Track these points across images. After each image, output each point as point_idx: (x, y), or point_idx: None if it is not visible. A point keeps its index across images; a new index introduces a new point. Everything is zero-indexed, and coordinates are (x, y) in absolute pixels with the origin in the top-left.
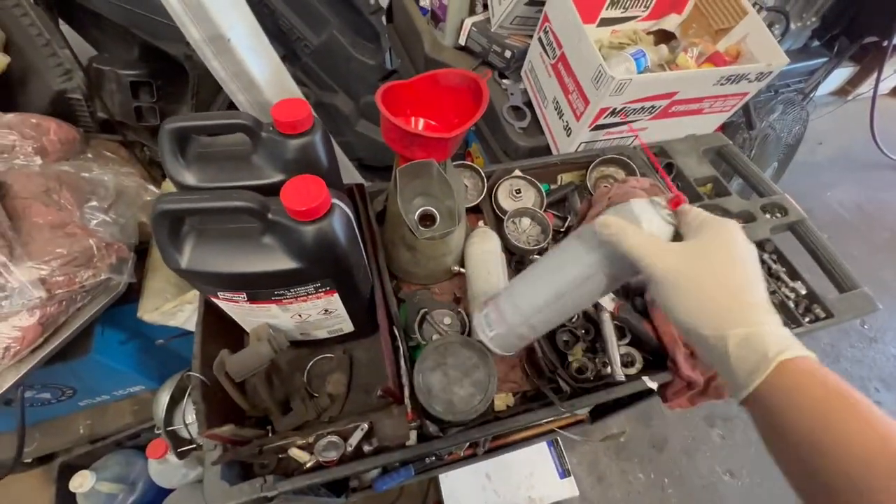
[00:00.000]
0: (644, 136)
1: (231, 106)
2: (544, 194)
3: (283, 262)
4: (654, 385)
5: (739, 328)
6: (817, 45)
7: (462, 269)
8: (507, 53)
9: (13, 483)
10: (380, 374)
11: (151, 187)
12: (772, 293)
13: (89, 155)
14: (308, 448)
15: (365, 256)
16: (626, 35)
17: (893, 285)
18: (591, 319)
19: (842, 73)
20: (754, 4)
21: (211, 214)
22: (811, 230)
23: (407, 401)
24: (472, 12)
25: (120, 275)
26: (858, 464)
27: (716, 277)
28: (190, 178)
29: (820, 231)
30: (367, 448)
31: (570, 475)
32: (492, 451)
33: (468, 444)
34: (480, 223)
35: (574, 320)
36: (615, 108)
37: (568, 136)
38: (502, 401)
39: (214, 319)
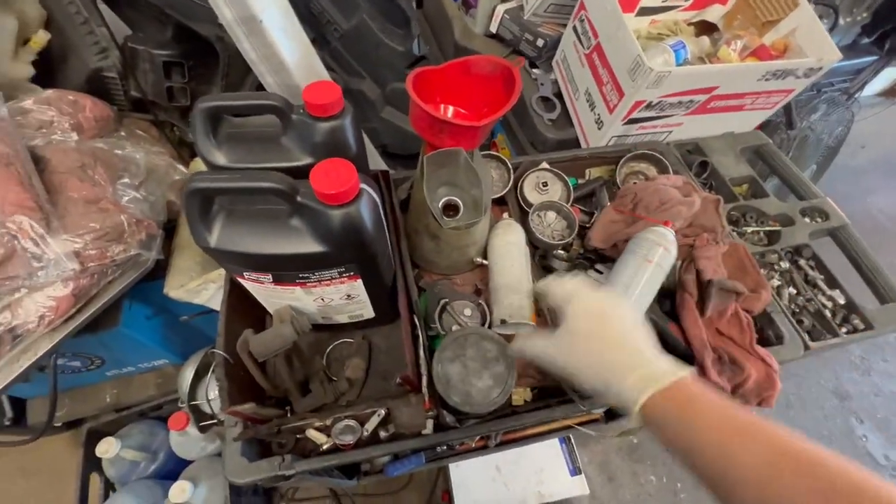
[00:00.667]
0: (679, 133)
1: (260, 88)
2: (571, 188)
3: (309, 246)
4: None
5: (614, 383)
6: (866, 43)
7: (484, 261)
8: (540, 42)
9: (45, 445)
10: (398, 361)
11: (180, 167)
12: (808, 301)
13: (122, 133)
14: (325, 430)
15: (389, 243)
16: (666, 25)
17: None
18: None
19: (891, 73)
20: None
21: (241, 194)
22: (853, 237)
23: (425, 389)
24: None
25: (149, 251)
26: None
27: (585, 351)
28: (220, 158)
29: None
30: (383, 434)
31: (580, 473)
32: (504, 445)
33: (480, 435)
34: (505, 215)
35: None
36: (651, 102)
37: (599, 129)
38: (520, 395)
39: (238, 300)
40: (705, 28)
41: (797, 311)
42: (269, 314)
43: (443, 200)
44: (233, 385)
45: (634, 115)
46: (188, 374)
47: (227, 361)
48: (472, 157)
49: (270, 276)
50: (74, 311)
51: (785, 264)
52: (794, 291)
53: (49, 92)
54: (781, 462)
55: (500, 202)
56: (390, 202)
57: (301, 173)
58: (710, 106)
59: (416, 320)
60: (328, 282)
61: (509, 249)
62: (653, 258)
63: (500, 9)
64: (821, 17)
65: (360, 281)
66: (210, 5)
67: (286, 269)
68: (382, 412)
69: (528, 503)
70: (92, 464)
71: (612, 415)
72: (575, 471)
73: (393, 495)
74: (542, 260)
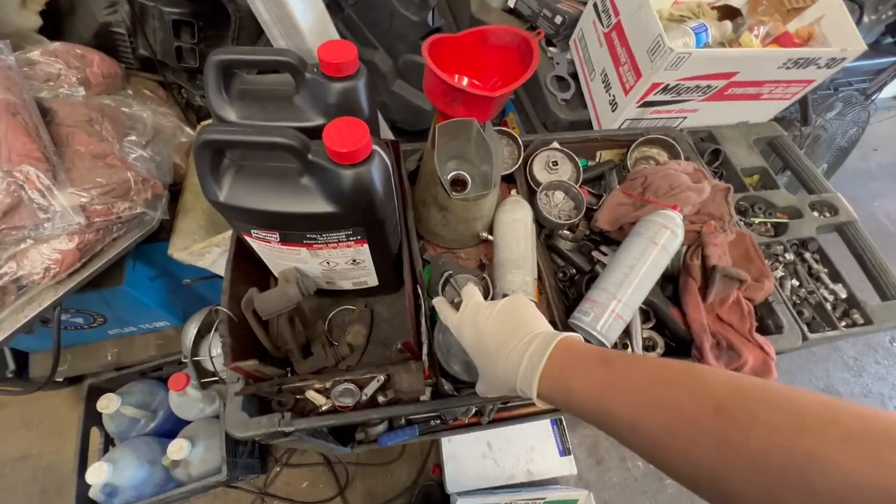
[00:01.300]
0: (694, 119)
1: None
2: (581, 169)
3: (318, 205)
4: None
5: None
6: (889, 42)
7: (490, 237)
8: (558, 19)
9: (47, 399)
10: (399, 330)
11: (188, 129)
12: (810, 293)
13: (129, 92)
14: (325, 392)
15: (397, 211)
16: (689, 8)
17: None
18: None
19: None
20: None
21: (252, 149)
22: (860, 233)
23: (424, 358)
24: None
25: (154, 210)
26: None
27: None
28: (232, 114)
29: None
30: (381, 399)
31: (569, 454)
32: (496, 422)
33: (473, 411)
34: (513, 192)
35: None
36: (668, 85)
37: (613, 111)
38: None
39: (244, 260)
40: (728, 13)
41: (798, 302)
42: (274, 277)
43: (451, 174)
44: (236, 342)
45: (650, 97)
46: (191, 330)
47: (230, 319)
48: (484, 129)
49: (278, 235)
50: (79, 266)
51: (790, 256)
52: (797, 283)
53: (56, 44)
54: (646, 398)
55: (508, 179)
56: (399, 172)
57: (313, 134)
58: (727, 93)
59: (419, 290)
60: (335, 244)
61: (515, 226)
62: (659, 241)
63: None
64: None
65: (366, 246)
66: None
67: (294, 229)
68: (382, 378)
69: (517, 479)
70: (92, 418)
71: None
72: (564, 451)
73: (385, 466)
74: (548, 239)
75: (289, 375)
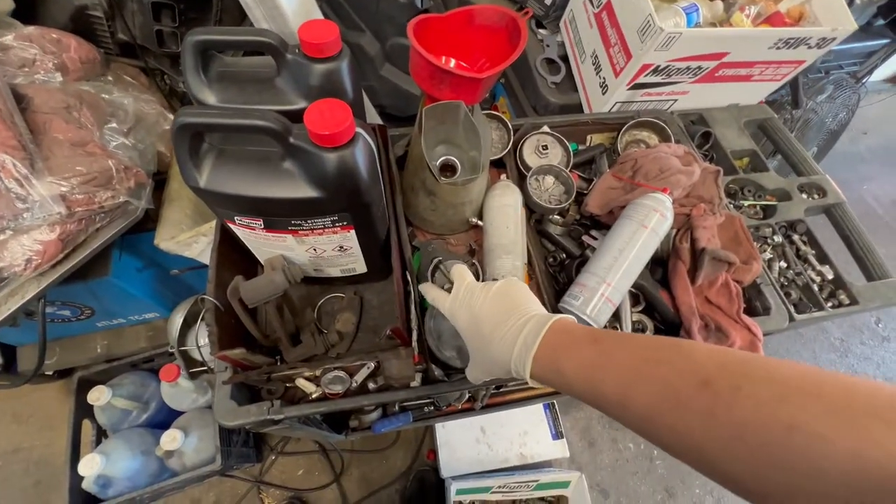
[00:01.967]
0: (684, 102)
1: None
2: (571, 153)
3: (302, 190)
4: None
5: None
6: (880, 25)
7: (479, 222)
8: (548, 0)
9: (37, 392)
10: (388, 317)
11: (171, 116)
12: (797, 275)
13: (109, 78)
14: (315, 380)
15: (384, 196)
16: None
17: None
18: None
19: None
20: None
21: (232, 132)
22: (848, 214)
23: (414, 344)
24: None
25: (138, 199)
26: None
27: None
28: (211, 97)
29: None
30: (371, 386)
31: (562, 437)
32: (489, 407)
33: (467, 397)
34: (503, 177)
35: None
36: (658, 66)
37: (603, 93)
38: None
39: (229, 248)
40: None
41: (786, 283)
42: (261, 265)
43: (440, 160)
44: (223, 331)
45: (640, 79)
46: (177, 319)
47: (217, 308)
48: (472, 112)
49: (262, 222)
50: (62, 257)
51: (778, 238)
52: (785, 265)
53: (31, 28)
54: (634, 375)
55: (498, 164)
56: (386, 158)
57: (295, 117)
58: (717, 74)
59: (408, 276)
60: (321, 230)
61: (505, 211)
62: (648, 224)
63: None
64: None
65: (353, 232)
66: None
67: (278, 215)
68: (372, 365)
69: (511, 463)
70: (83, 411)
71: None
72: (557, 435)
73: (380, 452)
74: (538, 224)
75: (278, 364)
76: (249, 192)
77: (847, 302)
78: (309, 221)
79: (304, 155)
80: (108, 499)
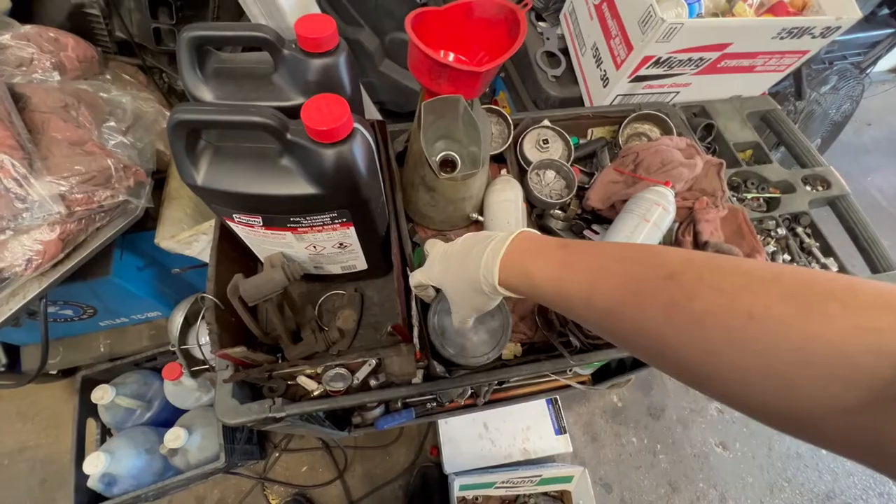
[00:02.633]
0: (686, 94)
1: None
2: (572, 147)
3: (300, 187)
4: None
5: (476, 284)
6: (885, 14)
7: (480, 217)
8: None
9: (42, 391)
10: (390, 314)
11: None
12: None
13: (107, 76)
14: (316, 378)
15: (383, 192)
16: None
17: None
18: None
19: None
20: None
21: (229, 129)
22: (853, 206)
23: (415, 340)
24: None
25: (138, 198)
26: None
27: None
28: (207, 94)
29: None
30: (373, 383)
31: (565, 433)
32: (491, 403)
33: (469, 393)
34: (503, 172)
35: None
36: (660, 58)
37: (604, 86)
38: (510, 350)
39: (229, 246)
40: None
41: None
42: (261, 263)
43: (440, 155)
44: (223, 330)
45: (642, 71)
46: (178, 318)
47: (217, 306)
48: (472, 107)
49: (260, 220)
50: (63, 257)
51: (782, 231)
52: (789, 258)
53: (28, 27)
54: (601, 273)
55: (498, 159)
56: (386, 154)
57: (293, 113)
58: (720, 65)
59: (408, 272)
60: (320, 228)
61: (506, 206)
62: (651, 217)
63: None
64: None
65: (352, 229)
66: None
67: (276, 212)
68: (373, 361)
69: (514, 458)
70: (87, 410)
71: (598, 378)
72: (560, 430)
73: (383, 448)
74: (539, 219)
75: (279, 361)
76: (247, 190)
77: None
78: (308, 218)
79: (302, 151)
80: (114, 497)
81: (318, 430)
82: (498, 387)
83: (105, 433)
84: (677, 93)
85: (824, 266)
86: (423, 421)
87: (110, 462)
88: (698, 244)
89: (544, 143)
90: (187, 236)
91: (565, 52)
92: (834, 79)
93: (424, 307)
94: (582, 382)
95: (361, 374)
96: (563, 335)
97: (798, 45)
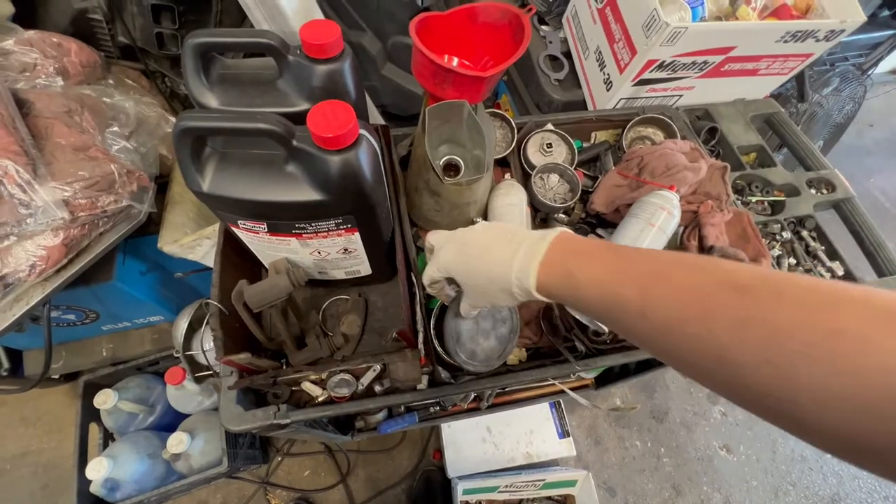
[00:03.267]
0: (689, 97)
1: None
2: (576, 151)
3: (305, 193)
4: None
5: (504, 283)
6: (887, 15)
7: (484, 222)
8: None
9: (45, 396)
10: (394, 319)
11: (172, 119)
12: (807, 271)
13: (110, 81)
14: (321, 384)
15: (388, 197)
16: None
17: None
18: None
19: None
20: None
21: (234, 136)
22: (858, 209)
23: (420, 346)
24: None
25: (141, 203)
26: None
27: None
28: (212, 100)
29: None
30: (378, 388)
31: (568, 436)
32: (495, 407)
33: (473, 397)
34: (507, 176)
35: None
36: (664, 62)
37: (608, 90)
38: (515, 355)
39: (233, 252)
40: None
41: None
42: (265, 268)
43: (444, 160)
44: (228, 336)
45: (645, 75)
46: (182, 324)
47: (221, 312)
48: (476, 111)
49: (265, 226)
50: (66, 262)
51: (787, 234)
52: (794, 262)
53: (31, 33)
54: (659, 280)
55: (502, 163)
56: (390, 158)
57: (298, 119)
58: (724, 69)
59: (413, 277)
60: (325, 234)
61: (510, 210)
62: (656, 222)
63: None
64: None
65: (357, 234)
66: None
67: (282, 218)
68: (378, 367)
69: (517, 462)
70: (90, 414)
71: (602, 382)
72: (563, 434)
73: (386, 452)
74: (543, 223)
75: (283, 367)
76: (253, 196)
77: None
78: (313, 224)
79: (308, 158)
80: (116, 501)
81: (321, 435)
82: (501, 390)
83: (108, 438)
84: (681, 96)
85: (830, 270)
86: (426, 425)
87: (113, 467)
88: (703, 249)
89: (548, 147)
90: (190, 241)
91: (568, 55)
92: (836, 80)
93: (428, 311)
94: (584, 385)
95: (366, 380)
96: (568, 340)
97: (802, 49)
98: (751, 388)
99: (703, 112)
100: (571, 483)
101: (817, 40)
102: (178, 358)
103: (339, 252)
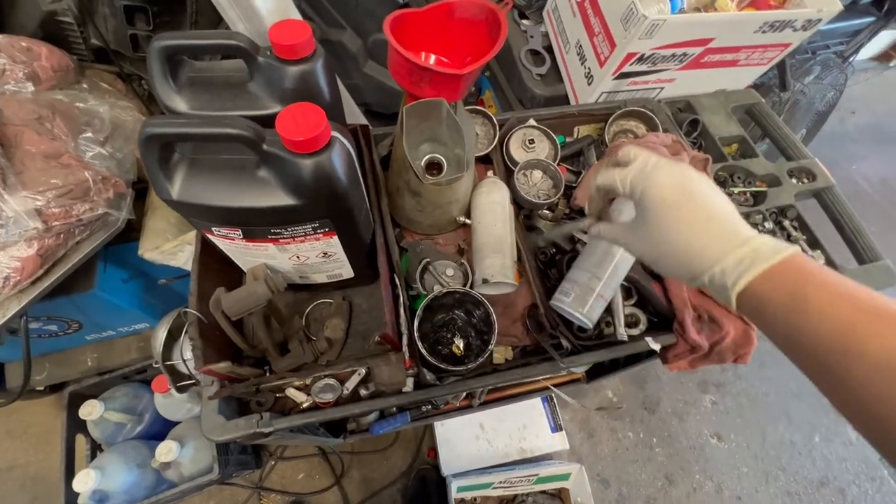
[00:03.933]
0: (671, 89)
1: None
2: (559, 146)
3: (278, 198)
4: (657, 346)
5: (704, 268)
6: (866, 3)
7: (468, 221)
8: None
9: (30, 408)
10: (378, 321)
11: None
12: None
13: (84, 85)
14: (305, 390)
15: (367, 200)
16: None
17: None
18: None
19: (888, 36)
20: None
21: (202, 141)
22: (838, 198)
23: (405, 348)
24: None
25: (118, 210)
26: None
27: (665, 239)
28: (181, 104)
29: None
30: (363, 392)
31: (561, 430)
32: (487, 404)
33: (465, 395)
34: (489, 173)
35: None
36: (643, 55)
37: (589, 84)
38: (501, 354)
39: (212, 258)
40: None
41: None
42: (245, 273)
43: (426, 158)
44: (207, 344)
45: (626, 68)
46: (161, 334)
47: (200, 321)
48: (455, 109)
49: (241, 232)
50: (42, 273)
51: (769, 225)
52: None
53: None
54: None
55: (485, 160)
56: (370, 158)
57: (270, 123)
58: (703, 60)
59: (396, 279)
60: (302, 238)
61: (493, 208)
62: None
63: None
64: None
65: (335, 238)
66: None
67: (256, 224)
68: (363, 371)
69: (511, 458)
70: (76, 426)
71: (593, 375)
72: (556, 428)
73: (380, 452)
74: (527, 220)
75: (266, 375)
76: (225, 203)
77: None
78: (289, 229)
79: (279, 162)
80: None
81: (311, 440)
82: (492, 387)
83: (95, 448)
84: (662, 88)
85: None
86: (418, 424)
87: (101, 479)
88: None
89: (530, 143)
90: (172, 247)
91: (549, 49)
92: (817, 69)
93: (412, 312)
94: (576, 380)
95: (351, 385)
96: (553, 337)
97: (780, 39)
98: None
99: (684, 104)
100: (565, 477)
101: (795, 30)
102: (157, 365)
103: (318, 256)
